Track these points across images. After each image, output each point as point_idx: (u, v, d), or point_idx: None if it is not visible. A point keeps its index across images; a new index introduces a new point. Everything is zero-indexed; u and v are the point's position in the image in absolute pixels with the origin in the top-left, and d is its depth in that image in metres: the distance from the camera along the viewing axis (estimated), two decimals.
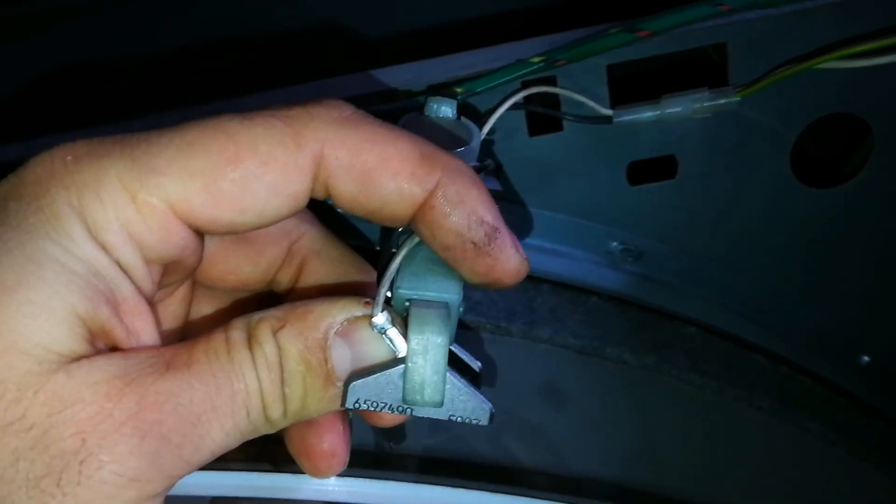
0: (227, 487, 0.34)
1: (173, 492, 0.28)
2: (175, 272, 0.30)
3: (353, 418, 0.34)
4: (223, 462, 0.35)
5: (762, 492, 0.42)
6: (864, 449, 0.48)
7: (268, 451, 0.35)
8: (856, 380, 0.50)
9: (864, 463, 0.47)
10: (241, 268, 0.34)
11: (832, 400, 0.48)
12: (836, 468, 0.47)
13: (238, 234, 0.33)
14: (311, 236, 0.34)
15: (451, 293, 0.29)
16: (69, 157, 0.27)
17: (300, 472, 0.34)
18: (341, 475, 0.33)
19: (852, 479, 0.47)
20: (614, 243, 0.46)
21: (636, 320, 0.45)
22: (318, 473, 0.33)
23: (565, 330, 0.43)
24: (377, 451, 0.38)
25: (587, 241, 0.46)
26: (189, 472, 0.27)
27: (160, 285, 0.30)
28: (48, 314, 0.25)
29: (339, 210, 0.34)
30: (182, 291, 0.33)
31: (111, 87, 0.49)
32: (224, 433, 0.27)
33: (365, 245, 0.42)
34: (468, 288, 0.30)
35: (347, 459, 0.33)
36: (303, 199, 0.28)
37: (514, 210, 0.45)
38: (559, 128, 0.43)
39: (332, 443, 0.33)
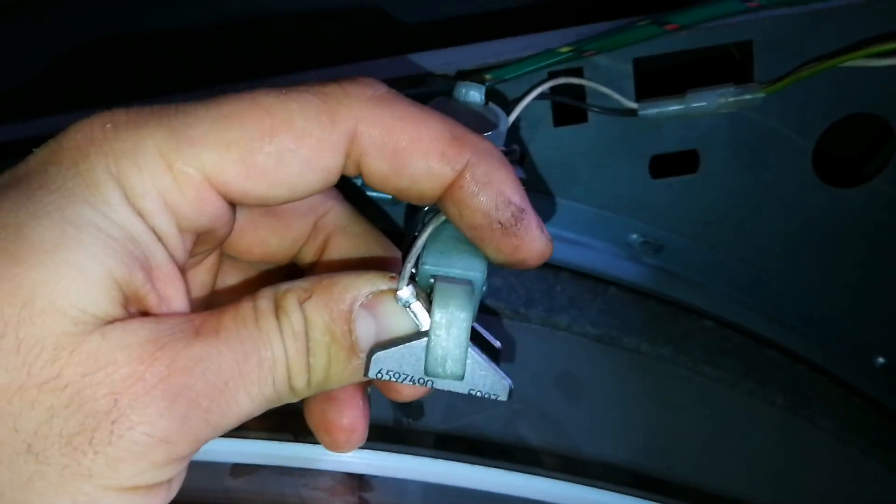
0: (247, 455, 0.35)
1: (195, 457, 0.29)
2: (206, 242, 0.31)
3: (371, 394, 0.35)
4: (244, 431, 0.36)
5: (773, 486, 0.43)
6: (877, 449, 0.48)
7: (288, 423, 0.36)
8: (871, 381, 0.50)
9: (876, 463, 0.48)
10: (268, 240, 0.34)
11: (846, 399, 0.48)
12: (848, 467, 0.47)
13: (268, 208, 0.34)
14: (336, 212, 0.35)
15: (475, 271, 0.30)
16: (108, 125, 0.27)
17: (319, 443, 0.34)
18: (360, 448, 0.34)
19: (863, 478, 0.47)
20: (634, 235, 0.47)
21: (654, 312, 0.46)
22: (337, 448, 0.34)
23: (584, 318, 0.44)
24: (395, 426, 0.39)
25: (608, 232, 0.46)
26: (214, 437, 0.28)
27: (191, 254, 0.30)
28: (85, 276, 0.26)
29: (367, 189, 0.34)
30: (210, 261, 0.34)
31: (140, 66, 0.49)
32: (250, 399, 0.28)
33: (386, 228, 0.42)
34: (491, 269, 0.31)
35: (366, 435, 0.34)
36: (334, 176, 0.29)
37: (536, 199, 0.45)
38: (584, 119, 0.43)
39: (352, 418, 0.33)
